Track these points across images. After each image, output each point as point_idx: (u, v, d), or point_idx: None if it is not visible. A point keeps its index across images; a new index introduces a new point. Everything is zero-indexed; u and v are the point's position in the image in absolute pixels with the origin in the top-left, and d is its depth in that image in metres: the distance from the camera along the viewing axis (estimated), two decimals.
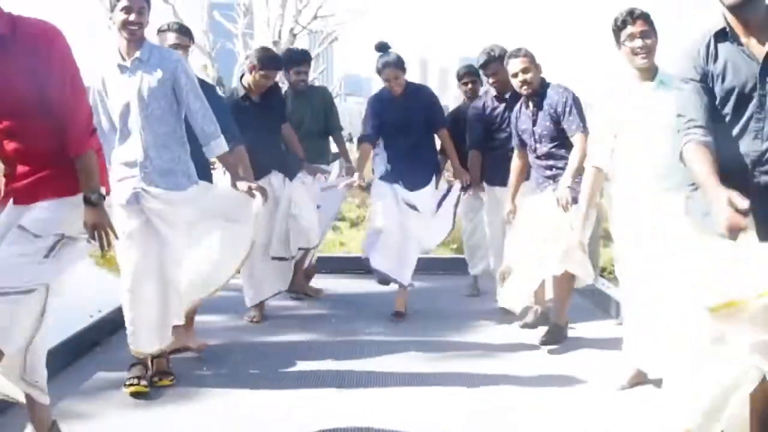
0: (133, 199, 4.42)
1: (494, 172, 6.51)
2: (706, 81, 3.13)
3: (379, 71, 6.31)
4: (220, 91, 6.45)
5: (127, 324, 4.58)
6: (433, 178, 6.55)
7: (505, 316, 6.33)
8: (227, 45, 19.31)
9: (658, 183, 4.31)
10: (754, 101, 3.04)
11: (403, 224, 6.36)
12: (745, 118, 3.06)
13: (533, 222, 5.47)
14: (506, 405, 4.45)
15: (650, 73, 4.39)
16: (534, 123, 5.62)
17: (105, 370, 4.84)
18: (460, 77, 7.14)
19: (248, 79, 6.14)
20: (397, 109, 6.31)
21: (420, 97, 6.46)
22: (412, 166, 6.35)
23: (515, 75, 5.59)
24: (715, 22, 3.14)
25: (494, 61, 6.32)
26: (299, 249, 6.60)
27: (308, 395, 4.60)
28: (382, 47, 6.31)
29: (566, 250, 5.24)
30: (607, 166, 4.65)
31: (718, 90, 3.11)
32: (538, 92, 5.62)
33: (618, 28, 4.38)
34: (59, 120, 3.23)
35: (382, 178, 6.51)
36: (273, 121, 6.33)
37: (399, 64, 6.26)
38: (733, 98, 3.07)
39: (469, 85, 7.10)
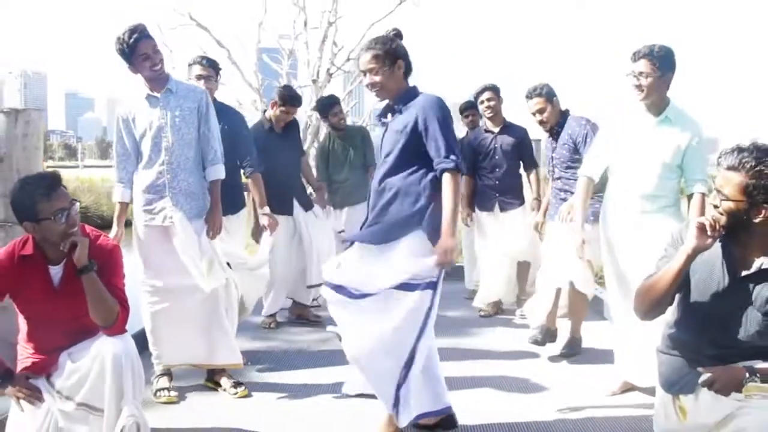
0: (160, 221, 4.34)
1: (482, 199, 6.58)
2: None
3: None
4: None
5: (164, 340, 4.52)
6: (406, 234, 3.57)
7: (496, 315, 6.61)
8: (273, 83, 19.43)
9: (642, 205, 4.19)
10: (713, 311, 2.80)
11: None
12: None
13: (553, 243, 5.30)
14: (502, 407, 4.34)
15: (656, 107, 4.17)
16: (553, 150, 5.48)
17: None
18: (462, 110, 7.08)
19: (270, 113, 6.09)
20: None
21: (412, 106, 3.67)
22: (372, 219, 3.73)
23: (533, 114, 5.48)
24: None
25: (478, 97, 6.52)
26: (311, 286, 6.32)
27: (325, 396, 4.54)
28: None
29: (570, 264, 5.02)
30: (597, 176, 4.47)
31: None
32: (557, 125, 5.47)
33: (631, 61, 4.19)
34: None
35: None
36: (294, 152, 6.28)
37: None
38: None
39: (470, 118, 7.07)
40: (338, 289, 3.66)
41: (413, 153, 3.61)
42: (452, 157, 3.54)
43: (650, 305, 2.88)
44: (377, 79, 3.67)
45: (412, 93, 3.74)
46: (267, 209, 5.30)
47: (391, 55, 3.67)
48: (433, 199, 3.59)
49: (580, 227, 4.51)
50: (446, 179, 3.57)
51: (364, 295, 3.59)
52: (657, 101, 4.16)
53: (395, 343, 3.57)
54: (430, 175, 3.62)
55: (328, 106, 6.82)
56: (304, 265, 6.27)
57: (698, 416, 2.76)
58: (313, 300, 6.44)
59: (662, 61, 4.08)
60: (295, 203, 6.21)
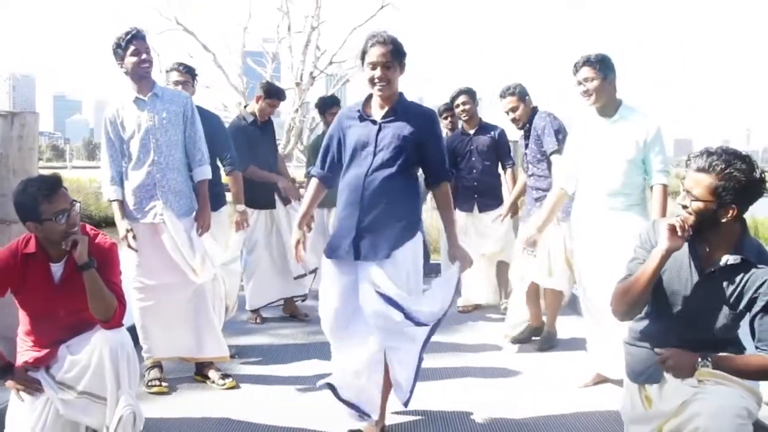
0: (151, 219, 4.40)
1: (462, 200, 6.58)
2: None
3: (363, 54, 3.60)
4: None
5: (155, 334, 4.58)
6: (411, 238, 3.59)
7: (475, 311, 6.70)
8: (258, 85, 19.46)
9: (610, 203, 4.31)
10: (682, 306, 2.91)
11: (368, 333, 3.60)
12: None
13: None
14: (480, 398, 4.42)
15: (610, 108, 4.34)
16: (526, 147, 5.56)
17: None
18: (440, 113, 7.08)
19: (254, 107, 6.18)
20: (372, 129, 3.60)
21: (414, 115, 3.60)
22: (370, 223, 3.53)
23: (506, 113, 5.56)
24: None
25: (454, 101, 6.58)
26: (297, 277, 6.37)
27: (311, 387, 4.51)
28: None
29: (547, 265, 5.16)
30: (571, 188, 4.56)
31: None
32: (527, 123, 5.54)
33: (573, 74, 4.39)
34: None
35: (330, 250, 3.69)
36: (272, 146, 6.38)
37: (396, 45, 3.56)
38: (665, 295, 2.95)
39: (449, 120, 7.09)
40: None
41: (412, 161, 3.59)
42: (451, 170, 3.72)
43: (629, 307, 2.96)
44: (389, 74, 3.52)
45: (402, 98, 3.66)
46: (242, 206, 5.38)
47: (402, 54, 3.57)
48: (420, 205, 3.72)
49: (534, 227, 4.69)
50: (446, 189, 3.76)
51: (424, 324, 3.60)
52: (609, 103, 4.34)
53: (422, 334, 3.67)
54: (417, 183, 3.70)
55: (329, 105, 6.90)
56: (286, 258, 6.30)
57: (662, 404, 2.86)
58: (303, 296, 6.52)
59: (601, 65, 4.28)
60: (276, 197, 6.26)
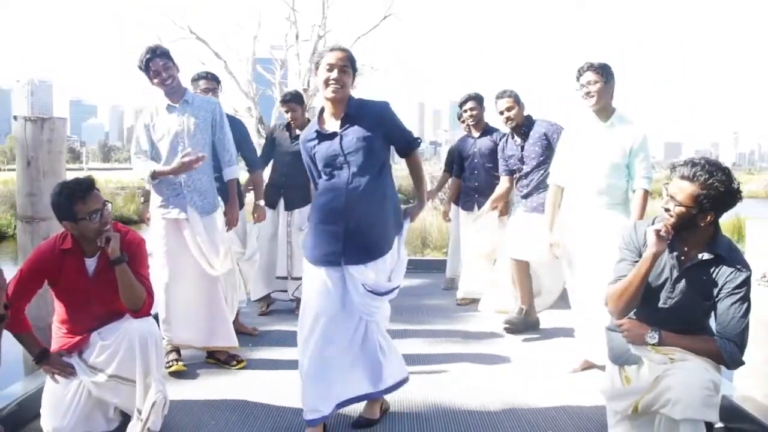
0: (176, 215, 4.54)
1: (464, 199, 6.81)
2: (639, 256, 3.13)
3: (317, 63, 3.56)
4: (261, 129, 6.57)
5: (172, 319, 4.69)
6: (399, 233, 3.63)
7: (472, 305, 6.72)
8: (267, 92, 19.57)
9: (596, 201, 4.48)
10: (663, 299, 3.10)
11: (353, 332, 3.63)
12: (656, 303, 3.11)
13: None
14: (476, 383, 4.54)
15: (605, 113, 4.49)
16: (522, 149, 5.66)
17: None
18: (459, 117, 7.13)
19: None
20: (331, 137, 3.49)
21: (367, 115, 3.49)
22: (358, 228, 3.45)
23: (501, 113, 5.67)
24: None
25: (463, 106, 6.73)
26: (278, 278, 6.40)
27: None
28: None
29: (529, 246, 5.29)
30: (565, 183, 4.71)
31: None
32: (522, 126, 5.66)
33: (576, 79, 4.52)
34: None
35: (316, 258, 3.55)
36: (296, 154, 6.13)
37: (350, 55, 3.53)
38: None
39: (466, 123, 7.10)
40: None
41: (384, 155, 3.51)
42: (417, 138, 3.67)
43: (626, 306, 3.13)
44: (344, 78, 3.42)
45: (352, 101, 3.52)
46: (262, 202, 5.53)
47: (355, 65, 3.50)
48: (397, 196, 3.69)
49: (549, 230, 4.78)
50: (416, 157, 3.71)
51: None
52: (605, 107, 4.48)
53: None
54: (388, 173, 3.60)
55: None
56: (276, 257, 6.35)
57: (639, 382, 3.06)
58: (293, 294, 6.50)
59: (604, 70, 4.44)
60: (281, 201, 6.26)
